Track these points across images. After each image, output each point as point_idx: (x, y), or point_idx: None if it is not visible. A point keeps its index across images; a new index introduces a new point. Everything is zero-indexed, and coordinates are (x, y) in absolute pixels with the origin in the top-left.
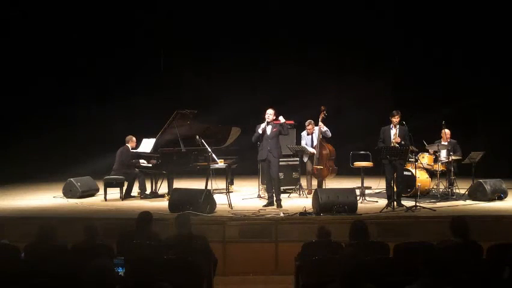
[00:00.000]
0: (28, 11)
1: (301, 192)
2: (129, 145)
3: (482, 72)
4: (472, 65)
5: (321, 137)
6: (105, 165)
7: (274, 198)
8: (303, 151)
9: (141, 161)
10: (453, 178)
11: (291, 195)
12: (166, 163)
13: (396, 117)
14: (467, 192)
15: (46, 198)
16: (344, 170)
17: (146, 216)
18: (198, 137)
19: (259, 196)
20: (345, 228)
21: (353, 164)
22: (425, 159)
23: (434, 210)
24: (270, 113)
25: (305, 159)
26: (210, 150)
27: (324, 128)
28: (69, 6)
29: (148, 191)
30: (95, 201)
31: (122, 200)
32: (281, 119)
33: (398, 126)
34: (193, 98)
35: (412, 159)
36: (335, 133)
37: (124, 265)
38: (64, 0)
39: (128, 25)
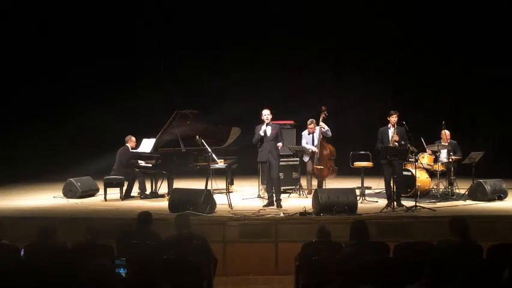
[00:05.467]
0: (28, 10)
1: (301, 192)
2: (129, 145)
3: (482, 72)
4: (472, 65)
5: (321, 137)
6: (105, 165)
7: (274, 198)
8: (303, 151)
9: (141, 161)
10: (453, 178)
11: (291, 195)
12: (166, 163)
13: (393, 116)
14: (467, 192)
15: (46, 198)
16: (344, 170)
17: (146, 216)
18: (198, 137)
19: (259, 196)
20: (345, 228)
21: (353, 164)
22: (425, 159)
23: (434, 210)
24: (267, 114)
25: (306, 159)
26: (210, 150)
27: (326, 128)
28: (69, 6)
29: (148, 191)
30: (95, 201)
31: (122, 200)
32: (280, 145)
33: (396, 126)
34: (193, 98)
35: (412, 159)
36: (335, 133)
37: (126, 266)
38: (65, 0)
39: (129, 25)
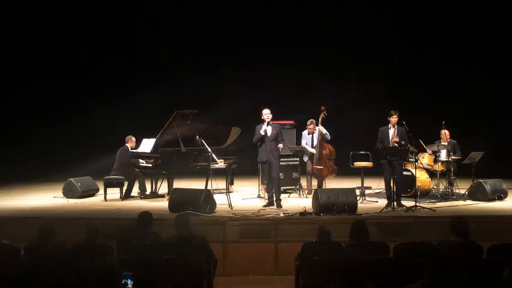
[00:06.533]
0: (28, 10)
1: (301, 192)
2: (128, 145)
3: (482, 71)
4: (472, 65)
5: (321, 137)
6: (105, 165)
7: (274, 198)
8: (303, 151)
9: (141, 161)
10: (453, 178)
11: (291, 195)
12: (166, 163)
13: (394, 117)
14: (467, 192)
15: (46, 198)
16: (344, 170)
17: (146, 216)
18: (198, 137)
19: (259, 196)
20: (345, 228)
21: (353, 164)
22: (425, 159)
23: (434, 210)
24: (267, 113)
25: (305, 159)
26: (210, 150)
27: (324, 131)
28: (69, 6)
29: (148, 191)
30: (95, 201)
31: (122, 200)
32: (281, 146)
33: (396, 126)
34: (193, 98)
35: (412, 159)
36: (335, 133)
37: (133, 278)
38: (65, 1)
39: (129, 25)
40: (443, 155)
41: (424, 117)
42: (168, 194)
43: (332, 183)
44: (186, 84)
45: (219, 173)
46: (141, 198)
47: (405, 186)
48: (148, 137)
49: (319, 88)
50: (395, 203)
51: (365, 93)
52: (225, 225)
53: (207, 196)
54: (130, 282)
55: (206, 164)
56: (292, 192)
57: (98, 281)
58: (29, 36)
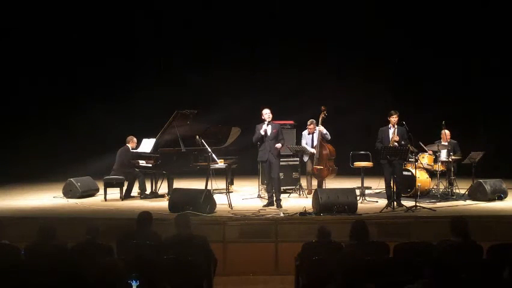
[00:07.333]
0: (28, 10)
1: (301, 192)
2: (129, 145)
3: (481, 72)
4: (472, 64)
5: (321, 137)
6: (105, 165)
7: (274, 198)
8: (303, 151)
9: (141, 161)
10: (453, 178)
11: (291, 195)
12: (166, 163)
13: (394, 116)
14: (467, 192)
15: (46, 198)
16: (344, 170)
17: (146, 216)
18: (198, 137)
19: (259, 196)
20: (345, 228)
21: (353, 164)
22: (425, 159)
23: (434, 210)
24: (267, 113)
25: (305, 159)
26: (210, 150)
27: (324, 131)
28: (69, 6)
29: (148, 191)
30: (95, 201)
31: (122, 200)
32: (279, 145)
33: (396, 126)
34: (193, 98)
35: (412, 159)
36: (335, 133)
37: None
38: (64, 0)
39: (129, 25)
40: (443, 155)
41: (424, 117)
42: (168, 194)
43: (332, 183)
44: (186, 84)
45: (219, 173)
46: (141, 198)
47: (405, 186)
48: (148, 137)
49: (319, 88)
50: (395, 203)
51: (365, 93)
52: (225, 225)
53: (207, 196)
54: (135, 284)
55: (206, 164)
56: (292, 192)
57: (102, 281)
58: (29, 36)
